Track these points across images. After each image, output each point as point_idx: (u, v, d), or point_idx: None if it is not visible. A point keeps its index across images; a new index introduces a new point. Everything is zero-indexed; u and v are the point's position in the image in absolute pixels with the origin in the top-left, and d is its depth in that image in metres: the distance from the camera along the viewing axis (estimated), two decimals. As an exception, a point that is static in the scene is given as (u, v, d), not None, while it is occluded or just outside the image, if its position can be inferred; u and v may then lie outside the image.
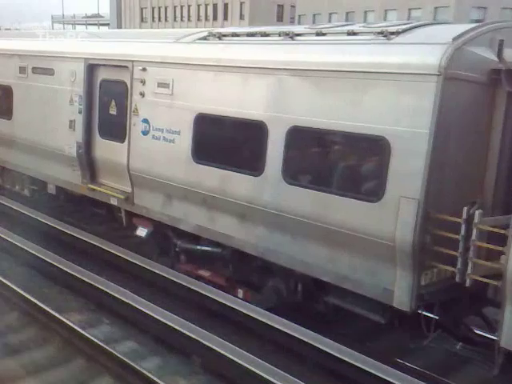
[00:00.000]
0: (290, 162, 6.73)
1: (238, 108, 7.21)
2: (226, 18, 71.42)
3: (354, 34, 6.55)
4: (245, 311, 7.56)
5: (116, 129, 9.19)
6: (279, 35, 7.27)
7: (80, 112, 9.66)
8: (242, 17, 69.92)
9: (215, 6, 73.56)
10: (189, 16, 76.92)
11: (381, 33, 6.25)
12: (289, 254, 6.90)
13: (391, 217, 5.74)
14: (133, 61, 8.62)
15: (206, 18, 74.04)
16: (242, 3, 69.99)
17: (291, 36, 7.07)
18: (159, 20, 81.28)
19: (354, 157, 6.40)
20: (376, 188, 5.93)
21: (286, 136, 6.66)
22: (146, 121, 8.51)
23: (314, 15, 56.46)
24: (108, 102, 9.32)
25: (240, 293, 7.99)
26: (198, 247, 8.25)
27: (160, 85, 8.23)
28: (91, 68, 9.44)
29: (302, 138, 6.72)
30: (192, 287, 8.19)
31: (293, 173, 6.76)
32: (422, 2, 46.52)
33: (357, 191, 6.13)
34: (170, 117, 8.15)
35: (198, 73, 7.74)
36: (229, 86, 7.35)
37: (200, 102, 7.71)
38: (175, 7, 79.07)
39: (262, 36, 7.51)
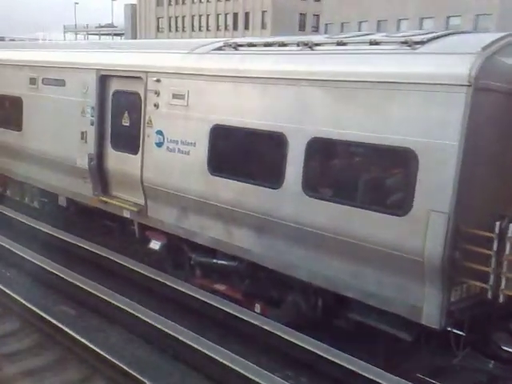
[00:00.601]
0: (310, 175, 6.54)
1: (256, 119, 7.04)
2: (246, 27, 68.70)
3: (377, 43, 6.37)
4: (263, 326, 7.35)
5: (129, 140, 9.02)
6: (298, 45, 7.11)
7: (92, 123, 9.50)
8: (263, 26, 67.33)
9: (236, 16, 70.91)
10: (207, 26, 74.73)
11: (405, 42, 6.07)
12: (309, 269, 6.70)
13: (419, 231, 5.54)
14: (147, 72, 8.46)
15: (226, 28, 71.51)
16: (263, 12, 67.12)
17: (310, 46, 6.90)
18: (176, 30, 78.53)
19: (379, 169, 6.21)
20: (403, 201, 5.74)
21: (306, 148, 6.48)
22: (160, 132, 8.34)
23: (342, 24, 52.97)
24: (121, 114, 9.15)
25: (257, 307, 7.78)
26: (214, 261, 8.04)
27: (175, 96, 8.07)
28: (103, 79, 9.28)
29: (323, 150, 6.54)
30: (208, 301, 8.00)
31: (314, 185, 6.57)
32: (462, 9, 42.46)
33: (382, 204, 5.93)
34: (185, 128, 7.98)
35: (215, 84, 7.57)
36: (247, 97, 7.18)
37: (216, 113, 7.53)
38: (193, 16, 76.14)
39: (279, 46, 7.34)
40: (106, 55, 9.60)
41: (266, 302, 7.75)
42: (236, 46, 7.75)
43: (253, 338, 7.38)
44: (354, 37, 6.98)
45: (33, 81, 10.87)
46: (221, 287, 8.18)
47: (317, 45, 6.92)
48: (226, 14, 71.29)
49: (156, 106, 8.36)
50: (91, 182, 9.73)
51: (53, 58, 10.59)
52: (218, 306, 7.86)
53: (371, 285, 6.11)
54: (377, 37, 6.56)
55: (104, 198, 9.54)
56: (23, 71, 11.15)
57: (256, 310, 7.76)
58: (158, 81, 8.28)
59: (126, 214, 9.27)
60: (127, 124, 9.08)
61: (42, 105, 10.70)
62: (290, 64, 6.88)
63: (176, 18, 78.38)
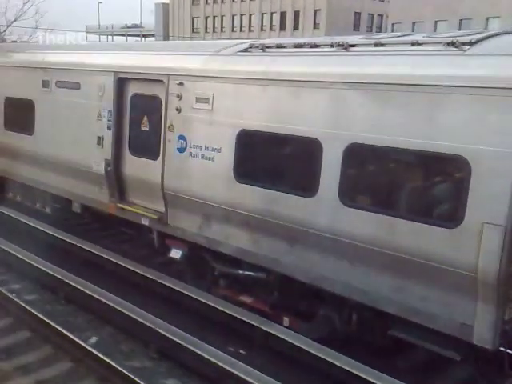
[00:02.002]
0: (348, 183, 6.12)
1: (288, 124, 6.62)
2: (296, 27, 60.62)
3: (419, 44, 5.95)
4: (292, 341, 6.95)
5: (148, 145, 8.60)
6: (331, 46, 6.69)
7: (109, 128, 9.07)
8: (316, 26, 59.36)
9: (283, 15, 62.49)
10: (250, 26, 66.88)
11: (451, 43, 5.64)
12: (346, 282, 6.27)
13: (472, 244, 5.12)
14: (169, 74, 8.03)
15: (272, 28, 63.42)
16: (316, 11, 58.81)
17: (346, 47, 6.48)
18: (214, 31, 70.95)
19: (425, 177, 5.80)
20: (453, 212, 5.31)
21: (343, 154, 6.06)
22: (182, 137, 7.91)
23: (414, 23, 46.42)
24: (139, 118, 8.72)
25: (286, 321, 7.35)
26: (240, 272, 7.61)
27: (199, 100, 7.64)
28: (121, 82, 8.85)
29: (362, 157, 6.12)
30: (233, 314, 7.58)
31: (351, 194, 6.15)
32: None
33: (430, 215, 5.51)
34: (209, 133, 7.55)
35: (242, 87, 7.14)
36: (277, 101, 6.75)
37: (244, 117, 7.11)
38: (233, 16, 68.35)
39: (311, 47, 6.91)
40: (124, 57, 9.16)
41: (294, 316, 7.33)
42: (263, 48, 7.33)
43: (280, 352, 6.97)
44: (391, 37, 6.57)
45: (45, 83, 10.43)
46: (246, 299, 7.75)
47: (352, 46, 6.49)
48: (272, 13, 62.85)
49: (178, 110, 7.93)
50: (108, 188, 9.30)
51: (67, 59, 10.16)
52: (245, 318, 7.45)
53: (415, 300, 5.68)
54: (418, 37, 6.13)
55: (121, 205, 9.11)
56: (35, 73, 10.70)
57: (284, 324, 7.34)
58: (181, 84, 7.85)
59: (145, 222, 8.84)
60: (146, 128, 8.65)
61: (55, 108, 10.27)
62: (324, 66, 6.46)
63: (214, 17, 70.67)
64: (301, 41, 7.15)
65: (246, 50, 7.53)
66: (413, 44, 5.99)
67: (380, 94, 5.80)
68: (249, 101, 7.07)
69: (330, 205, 6.22)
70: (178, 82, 7.89)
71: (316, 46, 6.90)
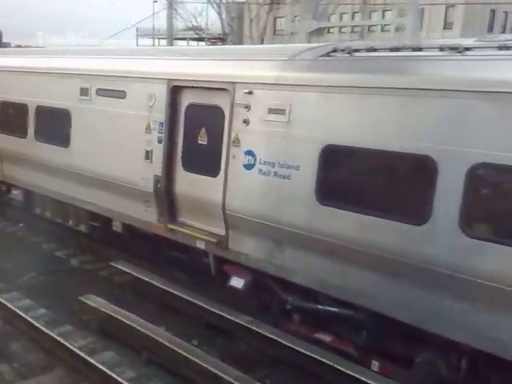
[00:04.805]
0: (473, 210, 5.03)
1: (390, 139, 5.53)
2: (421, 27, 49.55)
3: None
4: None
5: (206, 161, 7.50)
6: (441, 50, 5.61)
7: (160, 141, 7.95)
8: (447, 26, 47.59)
9: (401, 13, 50.91)
10: (354, 26, 53.59)
11: None
12: (469, 328, 5.13)
13: None
14: (234, 82, 6.95)
15: (383, 29, 47.93)
16: (447, 8, 46.70)
17: (460, 51, 5.41)
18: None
19: None
20: None
21: (467, 175, 4.96)
22: (250, 153, 6.81)
23: None
24: (196, 130, 7.61)
25: (375, 365, 6.22)
26: (320, 307, 6.48)
27: (272, 111, 6.55)
28: (175, 91, 7.75)
29: (494, 179, 5.02)
30: (310, 354, 6.45)
31: (478, 223, 5.05)
32: None
33: None
34: (285, 148, 6.45)
35: (328, 96, 6.05)
36: (376, 112, 5.65)
37: (330, 130, 6.02)
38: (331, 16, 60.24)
39: (413, 51, 5.85)
40: (180, 63, 8.03)
41: (386, 359, 6.20)
42: (351, 51, 6.26)
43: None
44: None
45: (84, 91, 9.32)
46: (325, 337, 6.60)
47: (468, 49, 5.43)
48: (383, 12, 50.81)
49: (246, 122, 6.84)
50: (156, 207, 8.18)
51: (110, 65, 9.05)
52: (325, 360, 6.32)
53: None
54: None
55: (172, 226, 7.98)
56: (72, 80, 9.60)
57: (373, 368, 6.21)
58: (250, 93, 6.77)
59: (200, 245, 7.71)
60: (204, 142, 7.54)
61: (94, 118, 9.15)
62: (438, 72, 5.37)
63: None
64: (398, 44, 6.07)
65: (328, 55, 6.46)
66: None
67: None
68: (337, 112, 5.98)
69: (447, 234, 5.12)
70: (246, 90, 6.81)
71: (419, 49, 5.83)
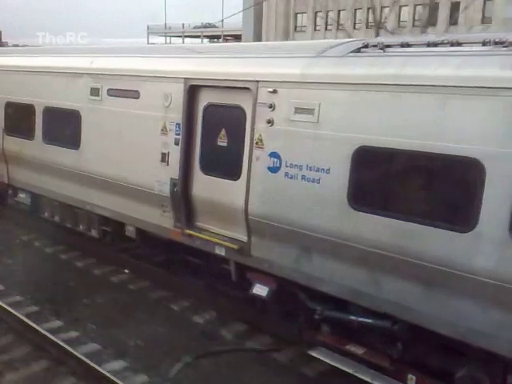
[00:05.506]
0: (526, 216, 4.64)
1: (430, 140, 5.13)
2: (454, 22, 39.29)
3: None
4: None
5: (226, 163, 7.11)
6: (484, 44, 5.23)
7: (177, 143, 7.56)
8: (485, 20, 42.11)
9: (433, 8, 40.49)
10: (380, 21, 44.54)
11: None
12: None
13: None
14: (258, 81, 6.56)
15: (414, 24, 44.22)
16: (486, 1, 41.38)
17: (507, 45, 5.03)
18: (326, 29, 54.03)
19: None
20: None
21: None
22: (275, 155, 6.42)
23: None
24: (215, 132, 7.22)
25: (411, 379, 5.84)
26: (353, 317, 6.09)
27: (299, 110, 6.16)
28: (193, 90, 7.36)
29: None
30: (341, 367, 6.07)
31: (531, 231, 4.67)
32: None
33: None
34: (313, 150, 6.06)
35: (362, 94, 5.65)
36: (416, 111, 5.25)
37: (364, 131, 5.62)
38: (356, 10, 51.23)
39: (452, 46, 5.46)
40: (197, 61, 7.64)
41: (423, 373, 5.82)
42: (383, 47, 5.87)
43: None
44: None
45: (95, 91, 8.91)
46: (357, 350, 6.21)
47: None
48: (415, 6, 44.93)
49: (270, 122, 6.44)
50: (172, 212, 7.79)
51: (122, 64, 8.63)
52: (357, 374, 5.94)
53: None
54: None
55: (189, 231, 7.59)
56: (82, 80, 9.20)
57: (409, 382, 5.84)
58: (275, 92, 6.37)
59: (220, 252, 7.32)
60: (224, 144, 7.15)
61: (106, 120, 8.75)
62: (486, 69, 4.98)
63: (327, 12, 52.41)
64: (435, 38, 5.68)
65: (358, 51, 6.06)
66: None
67: None
68: (373, 111, 5.58)
69: (496, 243, 4.74)
70: (270, 89, 6.42)
71: (459, 44, 5.44)
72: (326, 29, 54.64)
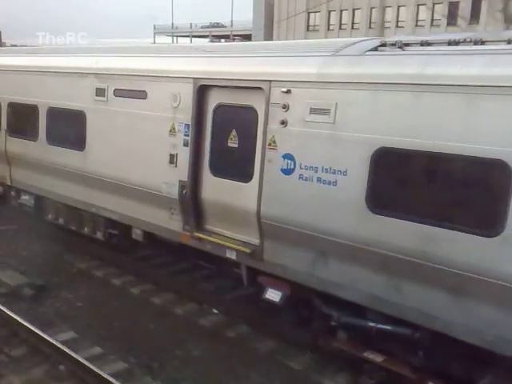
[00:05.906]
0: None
1: (456, 141, 4.92)
2: (478, 21, 39.04)
3: None
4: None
5: (237, 165, 6.90)
6: (508, 42, 5.02)
7: (185, 144, 7.34)
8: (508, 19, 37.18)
9: (455, 5, 41.03)
10: (398, 21, 49.26)
11: None
12: None
13: None
14: (270, 81, 6.34)
15: (433, 23, 43.85)
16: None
17: (534, 43, 4.82)
18: (340, 28, 52.61)
19: None
20: None
21: None
22: (289, 156, 6.21)
23: None
24: (226, 133, 7.00)
25: (433, 387, 5.64)
26: (372, 324, 5.87)
27: (314, 111, 5.95)
28: (203, 90, 7.14)
29: None
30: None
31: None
32: None
33: None
34: (329, 152, 5.85)
35: (380, 94, 5.44)
36: (439, 112, 5.04)
37: (384, 132, 5.41)
38: (372, 9, 49.75)
39: (475, 44, 5.25)
40: (207, 61, 7.41)
41: (444, 382, 5.60)
42: (402, 46, 5.66)
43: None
44: None
45: (100, 92, 8.69)
46: (375, 357, 6.00)
47: None
48: (434, 4, 42.84)
49: (284, 123, 6.23)
50: (181, 214, 7.57)
51: (128, 64, 8.38)
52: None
53: None
54: None
55: (199, 235, 7.37)
56: (87, 80, 8.97)
57: (431, 391, 5.64)
58: (288, 92, 6.16)
59: (231, 255, 7.11)
60: (235, 145, 6.94)
61: (112, 121, 8.52)
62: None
63: (341, 11, 51.60)
64: (457, 37, 5.46)
65: (375, 49, 5.85)
66: None
67: None
68: (393, 111, 5.37)
69: (525, 248, 4.54)
70: (283, 89, 6.20)
71: (482, 42, 5.23)
72: (340, 28, 53.32)
